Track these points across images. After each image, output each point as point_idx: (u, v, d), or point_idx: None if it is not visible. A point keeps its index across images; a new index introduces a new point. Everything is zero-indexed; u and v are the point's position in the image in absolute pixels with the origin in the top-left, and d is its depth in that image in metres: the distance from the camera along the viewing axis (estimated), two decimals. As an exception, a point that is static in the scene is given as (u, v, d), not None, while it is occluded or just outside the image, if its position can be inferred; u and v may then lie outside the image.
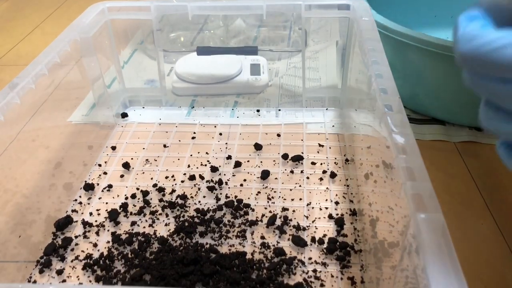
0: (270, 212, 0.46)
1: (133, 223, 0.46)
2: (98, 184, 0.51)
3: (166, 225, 0.46)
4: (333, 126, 0.59)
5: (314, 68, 0.71)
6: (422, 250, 0.24)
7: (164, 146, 0.57)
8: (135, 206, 0.48)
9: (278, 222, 0.45)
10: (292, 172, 0.52)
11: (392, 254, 0.31)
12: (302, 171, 0.52)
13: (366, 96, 0.43)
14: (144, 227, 0.46)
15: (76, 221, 0.47)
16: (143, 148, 0.57)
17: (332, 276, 0.40)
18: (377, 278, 0.35)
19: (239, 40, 0.78)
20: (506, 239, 0.43)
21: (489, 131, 0.23)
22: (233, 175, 0.52)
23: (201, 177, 0.51)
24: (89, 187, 0.50)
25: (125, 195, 0.50)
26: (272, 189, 0.49)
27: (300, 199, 0.48)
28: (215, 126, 0.60)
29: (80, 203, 0.49)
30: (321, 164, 0.53)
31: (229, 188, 0.50)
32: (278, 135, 0.58)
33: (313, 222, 0.45)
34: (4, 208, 0.43)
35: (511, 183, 0.50)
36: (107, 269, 0.41)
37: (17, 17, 0.97)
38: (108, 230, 0.45)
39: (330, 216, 0.46)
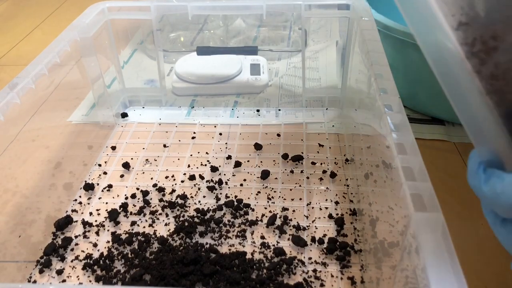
0: (270, 212, 0.46)
1: (133, 223, 0.46)
2: (98, 184, 0.51)
3: (166, 225, 0.46)
4: (333, 126, 0.59)
5: (314, 68, 0.71)
6: (422, 250, 0.24)
7: (164, 146, 0.57)
8: (135, 206, 0.48)
9: (278, 222, 0.45)
10: (292, 172, 0.52)
11: (392, 254, 0.31)
12: (302, 171, 0.52)
13: (366, 96, 0.43)
14: (144, 227, 0.46)
15: (76, 221, 0.47)
16: (143, 148, 0.57)
17: (332, 276, 0.40)
18: (377, 278, 0.35)
19: (239, 40, 0.78)
20: (506, 239, 0.43)
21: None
22: (233, 175, 0.52)
23: (201, 177, 0.51)
24: (89, 187, 0.50)
25: (125, 195, 0.50)
26: (272, 189, 0.49)
27: (300, 199, 0.48)
28: (215, 126, 0.60)
29: (80, 203, 0.49)
30: (321, 164, 0.53)
31: (229, 188, 0.50)
32: (278, 135, 0.58)
33: (313, 222, 0.45)
34: (4, 208, 0.43)
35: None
36: (107, 269, 0.41)
37: (17, 17, 0.97)
38: (108, 230, 0.45)
39: (330, 216, 0.46)
